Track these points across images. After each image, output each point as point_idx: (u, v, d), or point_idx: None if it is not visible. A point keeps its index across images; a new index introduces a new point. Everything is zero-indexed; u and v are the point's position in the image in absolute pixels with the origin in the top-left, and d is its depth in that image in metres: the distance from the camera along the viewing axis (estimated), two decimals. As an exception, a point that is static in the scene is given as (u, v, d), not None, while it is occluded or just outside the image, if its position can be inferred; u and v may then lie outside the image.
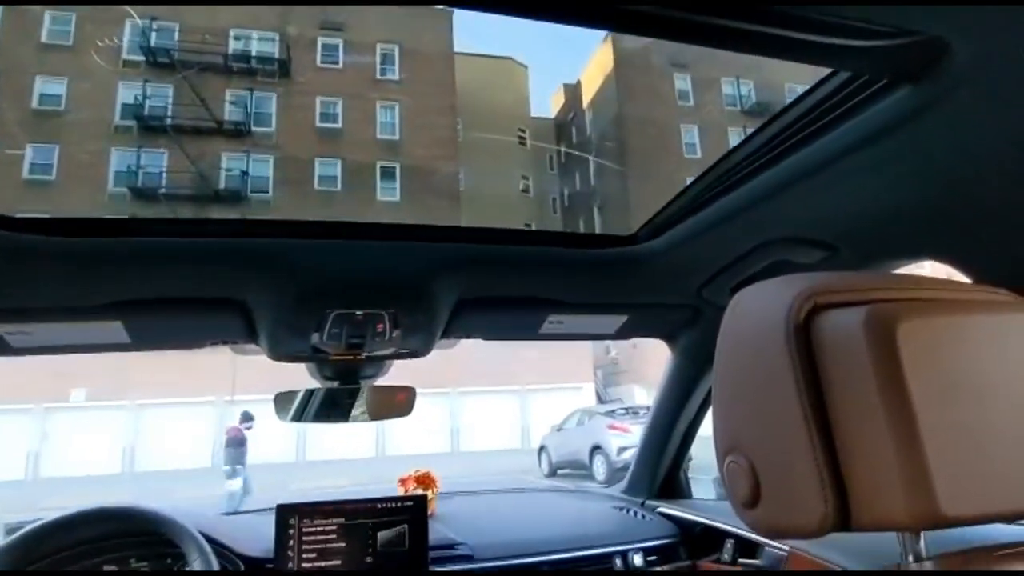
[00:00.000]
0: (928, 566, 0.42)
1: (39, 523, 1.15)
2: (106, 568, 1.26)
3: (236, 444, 8.67)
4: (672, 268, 1.06)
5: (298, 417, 1.24)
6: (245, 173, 16.43)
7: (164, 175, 16.04)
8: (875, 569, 0.48)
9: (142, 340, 1.05)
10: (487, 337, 1.26)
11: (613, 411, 11.29)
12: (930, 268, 0.80)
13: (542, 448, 12.58)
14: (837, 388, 0.42)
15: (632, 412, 11.12)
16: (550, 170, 22.15)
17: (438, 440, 15.58)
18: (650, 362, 16.68)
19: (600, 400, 17.70)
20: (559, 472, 11.78)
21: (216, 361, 15.54)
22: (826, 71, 0.70)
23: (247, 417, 8.90)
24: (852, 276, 0.51)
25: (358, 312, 0.99)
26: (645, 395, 16.34)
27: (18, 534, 1.13)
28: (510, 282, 1.07)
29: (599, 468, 10.41)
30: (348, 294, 0.98)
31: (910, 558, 0.43)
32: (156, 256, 0.86)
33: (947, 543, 0.47)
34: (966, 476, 0.39)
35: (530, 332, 1.25)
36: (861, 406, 0.41)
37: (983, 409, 0.41)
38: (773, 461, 0.46)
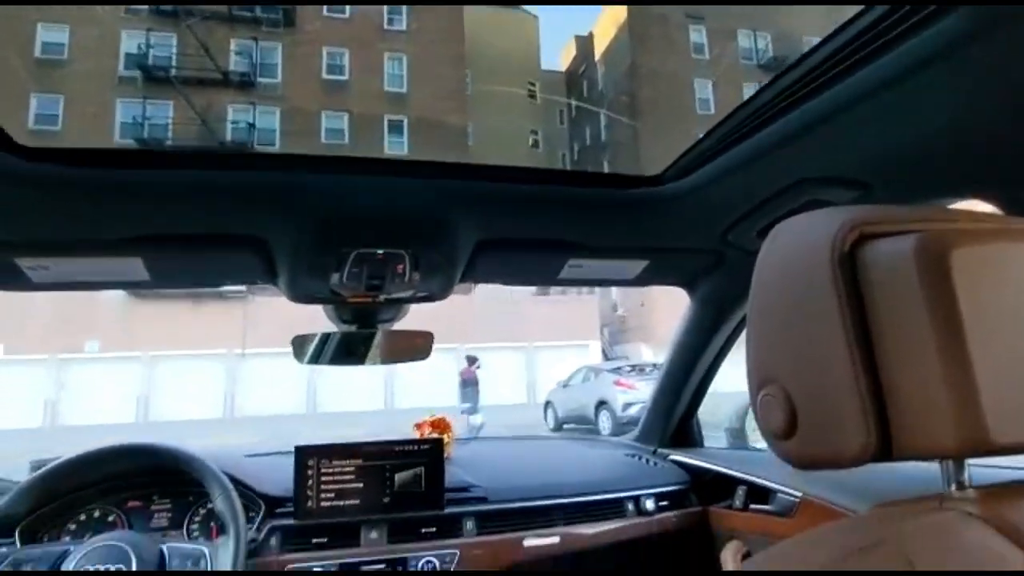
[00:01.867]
0: (971, 494, 0.42)
1: (65, 458, 1.18)
2: (130, 504, 1.29)
3: (471, 384, 9.73)
4: (698, 210, 1.04)
5: (315, 359, 1.25)
6: (252, 125, 16.26)
7: (170, 127, 15.89)
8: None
9: (161, 278, 1.05)
10: (506, 281, 1.25)
11: (619, 368, 11.40)
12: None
13: (548, 403, 12.76)
14: (884, 317, 0.41)
15: (638, 369, 11.21)
16: (560, 124, 21.76)
17: (445, 395, 15.85)
18: (658, 321, 16.75)
19: (606, 358, 17.86)
20: (565, 427, 11.98)
21: (225, 318, 15.74)
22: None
23: (472, 360, 10.05)
24: (896, 208, 0.49)
25: (379, 251, 0.98)
26: (651, 353, 16.46)
27: (44, 469, 1.16)
28: (531, 223, 1.05)
29: (604, 423, 10.57)
30: (368, 232, 0.96)
31: (952, 487, 0.43)
32: (175, 189, 0.85)
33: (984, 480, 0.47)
34: (1016, 404, 0.38)
35: (549, 277, 1.24)
36: (910, 334, 0.40)
37: None
38: (812, 392, 0.45)
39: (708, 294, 1.39)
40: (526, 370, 17.84)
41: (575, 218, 1.04)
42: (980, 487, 0.43)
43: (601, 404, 10.74)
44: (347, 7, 17.22)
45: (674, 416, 1.69)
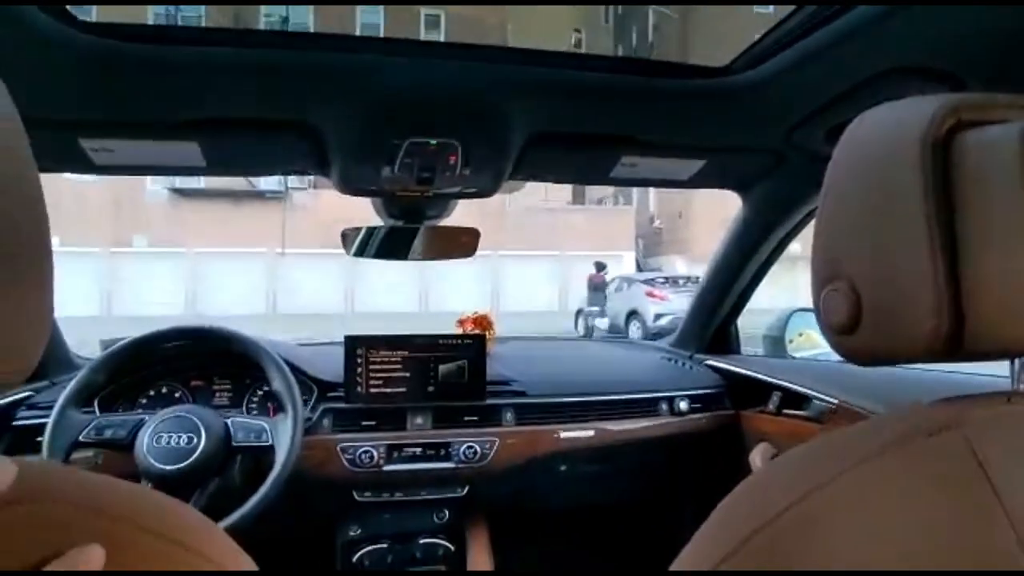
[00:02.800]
0: None
1: (134, 337, 1.25)
2: (193, 383, 1.38)
3: (599, 288, 10.20)
4: (765, 105, 0.98)
5: (361, 251, 1.28)
6: (285, 20, 15.77)
7: (203, 20, 15.53)
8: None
9: (216, 163, 1.06)
10: (556, 179, 1.23)
11: (652, 279, 11.39)
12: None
13: (579, 312, 12.92)
14: (974, 207, 0.40)
15: (671, 281, 11.20)
16: (604, 22, 20.42)
17: (478, 300, 16.16)
18: (695, 234, 16.48)
19: (640, 269, 17.79)
20: (594, 336, 12.19)
21: (265, 218, 16.03)
22: None
23: (601, 266, 10.55)
24: (999, 95, 0.46)
25: (431, 141, 0.97)
26: (686, 267, 16.33)
27: (116, 345, 1.24)
28: (587, 113, 1.01)
29: (634, 333, 10.70)
30: (422, 119, 0.95)
31: (1021, 385, 0.43)
32: (228, 68, 0.85)
33: None
34: None
35: (600, 175, 1.21)
36: (1003, 225, 0.38)
37: None
38: (882, 282, 0.44)
39: (762, 198, 1.35)
40: (559, 278, 17.95)
41: (633, 110, 1.00)
42: None
43: (632, 314, 10.84)
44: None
45: (714, 322, 1.69)
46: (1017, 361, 0.43)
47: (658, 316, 10.15)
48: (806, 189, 1.26)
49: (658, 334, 9.95)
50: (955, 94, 0.45)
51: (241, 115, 0.93)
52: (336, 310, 15.01)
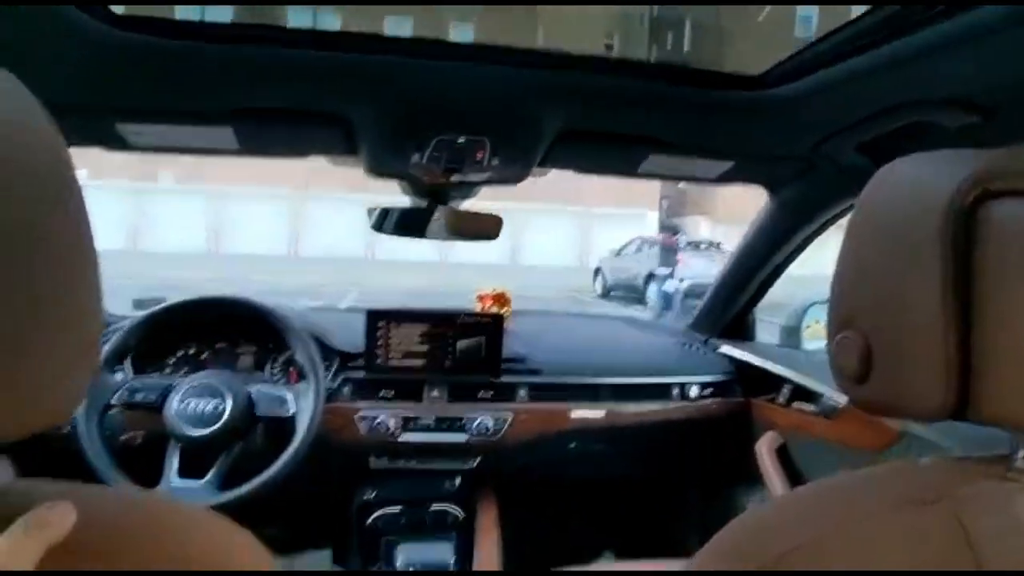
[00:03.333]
0: None
1: (165, 304, 1.30)
2: (219, 345, 1.43)
3: (671, 251, 10.39)
4: (795, 119, 0.97)
5: (384, 228, 1.29)
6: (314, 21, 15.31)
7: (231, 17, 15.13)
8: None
9: (250, 147, 1.08)
10: (583, 170, 1.23)
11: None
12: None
13: (598, 270, 12.90)
14: (992, 279, 0.40)
15: (693, 245, 11.09)
16: (640, 25, 19.25)
17: (498, 252, 16.14)
18: (721, 196, 16.18)
19: (663, 229, 17.60)
20: (612, 294, 12.19)
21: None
22: None
23: (675, 231, 10.81)
24: None
25: (460, 138, 0.97)
26: (710, 229, 16.12)
27: (149, 311, 1.28)
28: (617, 117, 1.00)
29: (652, 295, 10.68)
30: (452, 119, 0.95)
31: (1020, 454, 0.44)
32: (269, 67, 0.86)
33: None
34: None
35: (628, 169, 1.21)
36: (1017, 304, 0.39)
37: None
38: (895, 343, 0.45)
39: (789, 199, 1.33)
40: (579, 235, 17.86)
41: (662, 115, 0.99)
42: None
43: (651, 276, 10.80)
44: None
45: (732, 310, 1.70)
46: (1019, 433, 0.44)
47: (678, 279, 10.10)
48: (834, 195, 1.24)
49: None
50: (981, 155, 0.45)
51: (277, 105, 0.94)
52: (357, 255, 15.16)
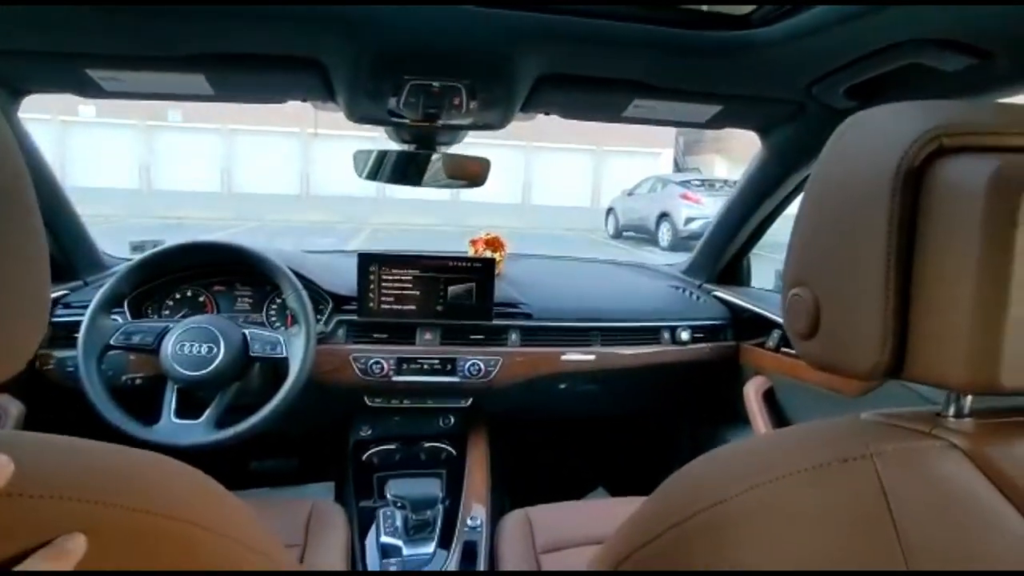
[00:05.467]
0: (966, 425, 0.44)
1: (161, 247, 1.32)
2: (216, 288, 1.46)
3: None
4: (785, 59, 0.93)
5: (372, 175, 1.28)
6: None
7: None
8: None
9: (224, 92, 1.07)
10: (567, 115, 1.20)
11: (688, 181, 11.07)
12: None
13: (610, 210, 12.75)
14: (934, 241, 0.40)
15: (708, 184, 10.88)
16: None
17: (509, 191, 15.99)
18: (736, 136, 15.73)
19: (677, 168, 17.27)
20: (624, 234, 12.09)
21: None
22: None
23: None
24: (994, 109, 0.44)
25: (434, 83, 0.95)
26: (726, 168, 15.77)
27: (147, 253, 1.30)
28: (597, 61, 0.97)
29: (664, 235, 10.60)
30: (425, 63, 0.93)
31: (951, 410, 0.45)
32: (237, 12, 0.84)
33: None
34: None
35: (613, 114, 1.18)
36: (955, 265, 0.38)
37: None
38: (839, 301, 0.45)
39: (781, 143, 1.30)
40: (592, 174, 17.58)
41: (647, 57, 0.95)
42: (979, 417, 0.44)
43: (663, 216, 10.67)
44: None
45: (726, 254, 1.69)
46: (948, 394, 0.45)
47: (689, 220, 9.96)
48: (824, 138, 1.21)
49: (688, 238, 9.85)
50: (942, 107, 0.43)
51: (246, 51, 0.93)
52: (369, 194, 15.10)
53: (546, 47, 0.92)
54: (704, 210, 9.76)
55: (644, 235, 11.30)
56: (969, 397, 0.44)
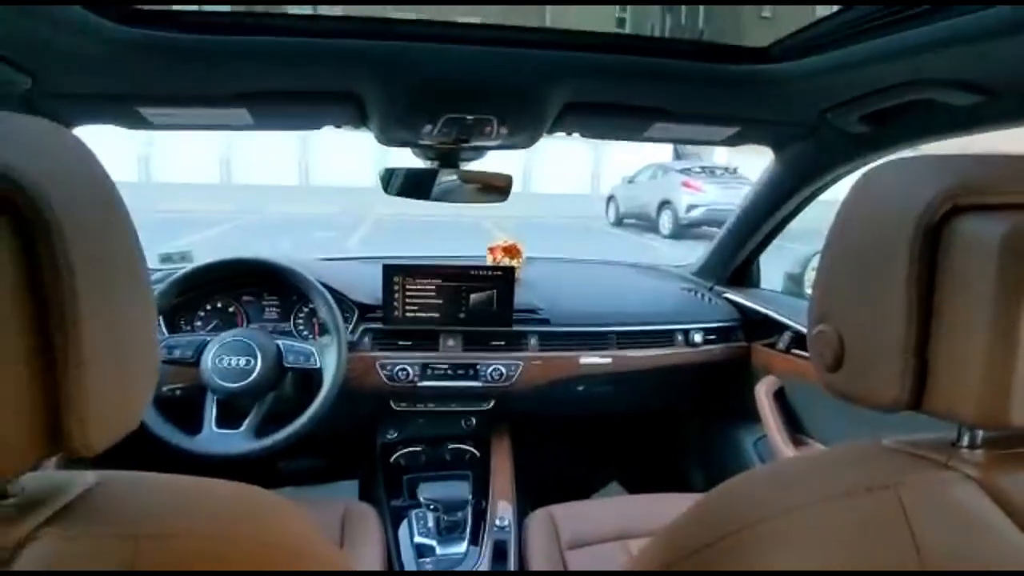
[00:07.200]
0: (979, 456, 0.49)
1: (193, 266, 1.37)
2: (245, 298, 1.52)
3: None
4: (800, 92, 0.98)
5: (399, 192, 1.33)
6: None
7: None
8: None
9: (264, 123, 1.12)
10: (589, 136, 1.25)
11: (689, 168, 11.05)
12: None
13: (611, 198, 12.73)
14: (952, 292, 0.44)
15: (708, 171, 10.86)
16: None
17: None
18: (738, 119, 15.60)
19: (678, 156, 17.18)
20: (625, 222, 12.09)
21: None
22: None
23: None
24: (1006, 165, 0.48)
25: (468, 117, 1.00)
26: (726, 154, 15.72)
27: (182, 272, 1.35)
28: (622, 91, 1.02)
29: (665, 223, 10.59)
30: (459, 99, 0.98)
31: (964, 440, 0.50)
32: (278, 54, 0.88)
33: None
34: None
35: (634, 135, 1.23)
36: (971, 315, 0.43)
37: None
38: (862, 339, 0.49)
39: (794, 159, 1.35)
40: (592, 162, 17.52)
41: (667, 87, 1.00)
42: (991, 447, 0.49)
43: (664, 203, 10.65)
44: None
45: (737, 258, 1.74)
46: (962, 428, 0.50)
47: (691, 207, 9.96)
48: (838, 158, 1.25)
49: (689, 225, 9.84)
50: (958, 164, 0.47)
51: (289, 88, 0.97)
52: (368, 184, 15.07)
53: (571, 81, 0.97)
54: (705, 197, 9.76)
55: (645, 222, 11.31)
56: (980, 433, 0.49)
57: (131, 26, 0.81)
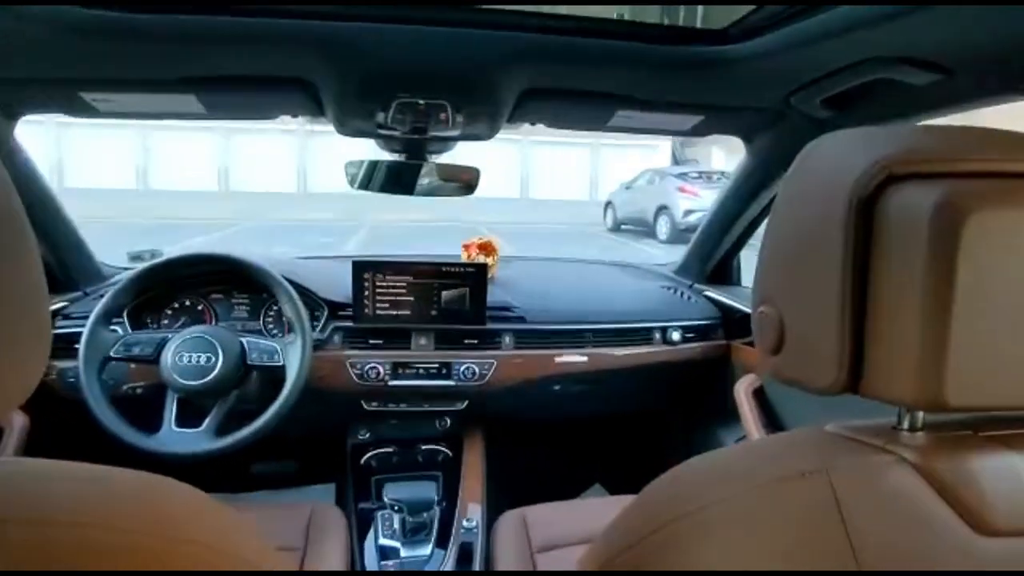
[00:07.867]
0: (919, 439, 0.46)
1: (160, 260, 1.34)
2: (213, 296, 1.49)
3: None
4: (761, 73, 0.96)
5: (364, 185, 1.30)
6: None
7: None
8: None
9: (215, 110, 1.10)
10: (552, 125, 1.23)
11: (686, 173, 11.06)
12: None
13: (608, 204, 12.75)
14: (886, 265, 0.42)
15: (705, 176, 10.86)
16: None
17: (508, 186, 15.97)
18: (735, 124, 15.65)
19: (675, 161, 17.22)
20: (622, 228, 12.10)
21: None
22: None
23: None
24: (943, 135, 0.46)
25: (420, 101, 0.98)
26: (725, 159, 15.75)
27: (144, 265, 1.33)
28: (579, 76, 1.00)
29: (662, 228, 10.59)
30: (410, 82, 0.95)
31: (905, 424, 0.47)
32: (227, 33, 0.86)
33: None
34: (977, 372, 0.40)
35: (598, 124, 1.20)
36: (903, 288, 0.41)
37: (1019, 312, 0.40)
38: (801, 320, 0.47)
39: (764, 149, 1.32)
40: (590, 167, 17.57)
41: (626, 72, 0.98)
42: (932, 431, 0.46)
43: (662, 209, 10.66)
44: None
45: (716, 254, 1.72)
46: (900, 409, 0.47)
47: (688, 212, 9.96)
48: (805, 144, 1.23)
49: (686, 230, 9.84)
50: (895, 134, 0.45)
51: (236, 72, 0.95)
52: (365, 192, 15.10)
53: (528, 65, 0.94)
54: (702, 202, 9.73)
55: (642, 228, 11.31)
56: (921, 415, 0.47)
57: (71, 5, 0.79)
